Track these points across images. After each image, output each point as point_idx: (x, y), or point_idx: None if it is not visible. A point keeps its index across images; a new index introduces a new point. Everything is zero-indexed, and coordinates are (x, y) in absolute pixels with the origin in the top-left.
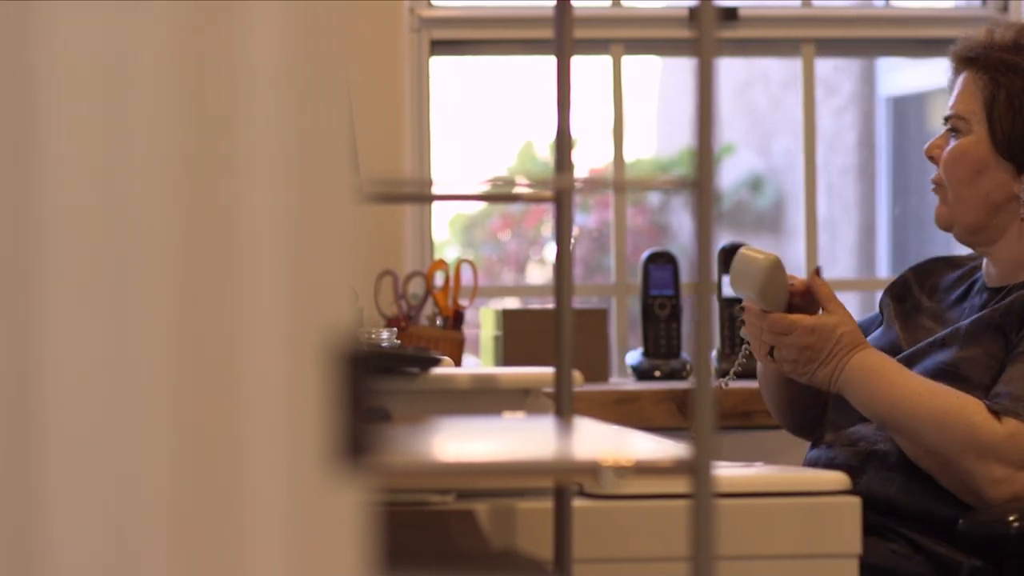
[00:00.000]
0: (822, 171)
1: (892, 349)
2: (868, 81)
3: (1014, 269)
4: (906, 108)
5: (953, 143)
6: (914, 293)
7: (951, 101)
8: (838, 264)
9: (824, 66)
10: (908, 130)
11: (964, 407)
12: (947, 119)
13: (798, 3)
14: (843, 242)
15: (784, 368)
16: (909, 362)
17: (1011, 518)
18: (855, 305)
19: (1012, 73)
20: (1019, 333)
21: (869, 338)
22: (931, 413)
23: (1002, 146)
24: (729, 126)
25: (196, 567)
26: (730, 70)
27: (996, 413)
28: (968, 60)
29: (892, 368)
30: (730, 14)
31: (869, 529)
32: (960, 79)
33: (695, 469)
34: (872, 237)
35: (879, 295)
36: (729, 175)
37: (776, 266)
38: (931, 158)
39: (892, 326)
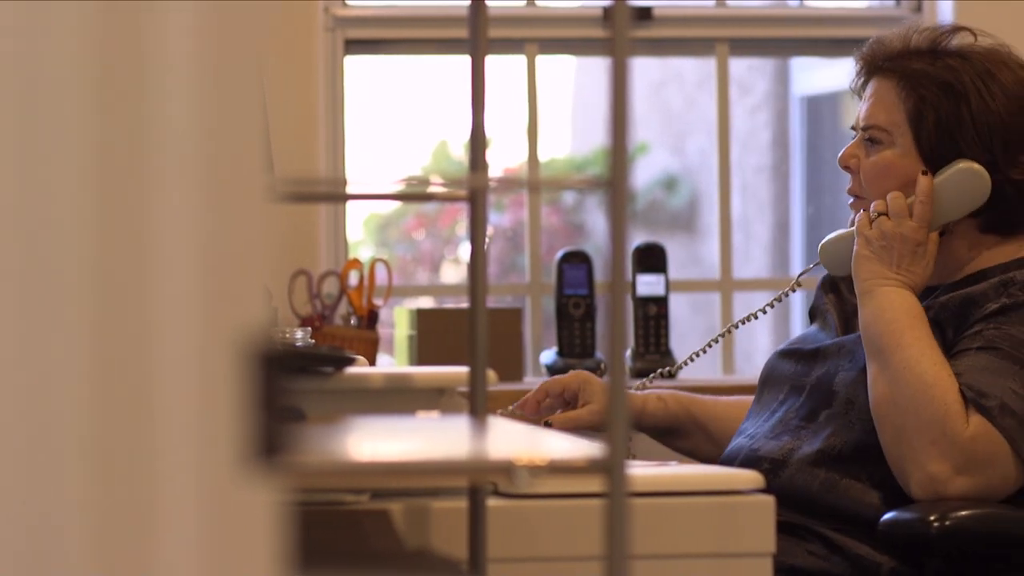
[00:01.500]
0: (736, 170)
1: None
2: (782, 81)
3: (939, 272)
4: (820, 108)
5: (874, 155)
6: (843, 291)
7: (864, 109)
8: (752, 263)
9: (738, 66)
10: (822, 129)
11: (951, 390)
12: (864, 129)
13: (712, 3)
14: (757, 241)
15: (862, 234)
16: (839, 353)
17: (932, 518)
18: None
19: (935, 86)
20: (956, 330)
21: (802, 334)
22: (922, 375)
23: (927, 158)
24: (643, 126)
25: (109, 567)
26: (644, 70)
27: (964, 402)
28: (882, 68)
29: (918, 318)
30: (644, 14)
31: (787, 529)
32: (873, 86)
33: (609, 468)
34: (786, 236)
35: (794, 296)
36: (643, 174)
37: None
38: (847, 168)
39: (829, 317)
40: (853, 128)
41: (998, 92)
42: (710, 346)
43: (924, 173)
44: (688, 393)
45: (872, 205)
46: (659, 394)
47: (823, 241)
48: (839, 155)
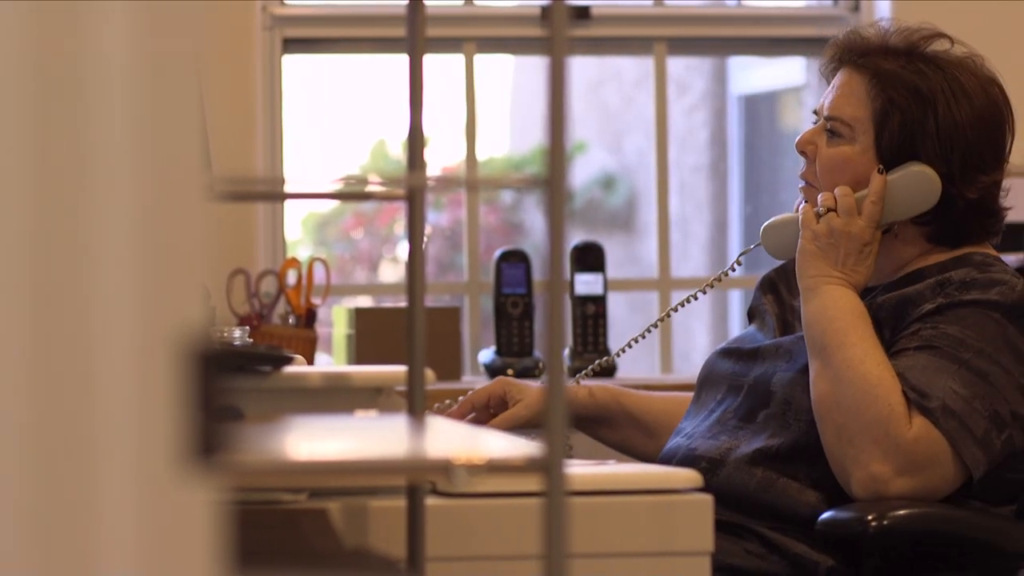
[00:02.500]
0: (674, 169)
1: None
2: (720, 80)
3: (878, 272)
4: (758, 107)
5: (832, 147)
6: (782, 292)
7: (831, 99)
8: (690, 262)
9: (676, 65)
10: (760, 128)
11: (894, 391)
12: (827, 119)
13: (650, 2)
14: (695, 240)
15: (808, 228)
16: (776, 354)
17: (869, 517)
18: (707, 303)
19: (906, 90)
20: (893, 330)
21: (741, 334)
22: (866, 376)
23: (884, 160)
24: (581, 124)
25: (45, 567)
26: (582, 69)
27: (907, 403)
28: (856, 62)
29: (862, 318)
30: (582, 13)
31: (725, 528)
32: (843, 77)
33: (547, 467)
34: (724, 235)
35: (731, 293)
36: (581, 173)
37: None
38: (803, 153)
39: (767, 317)
40: (815, 112)
41: (965, 106)
42: (648, 332)
43: (880, 172)
44: (620, 387)
45: (819, 199)
46: (588, 386)
47: (765, 224)
48: (797, 139)
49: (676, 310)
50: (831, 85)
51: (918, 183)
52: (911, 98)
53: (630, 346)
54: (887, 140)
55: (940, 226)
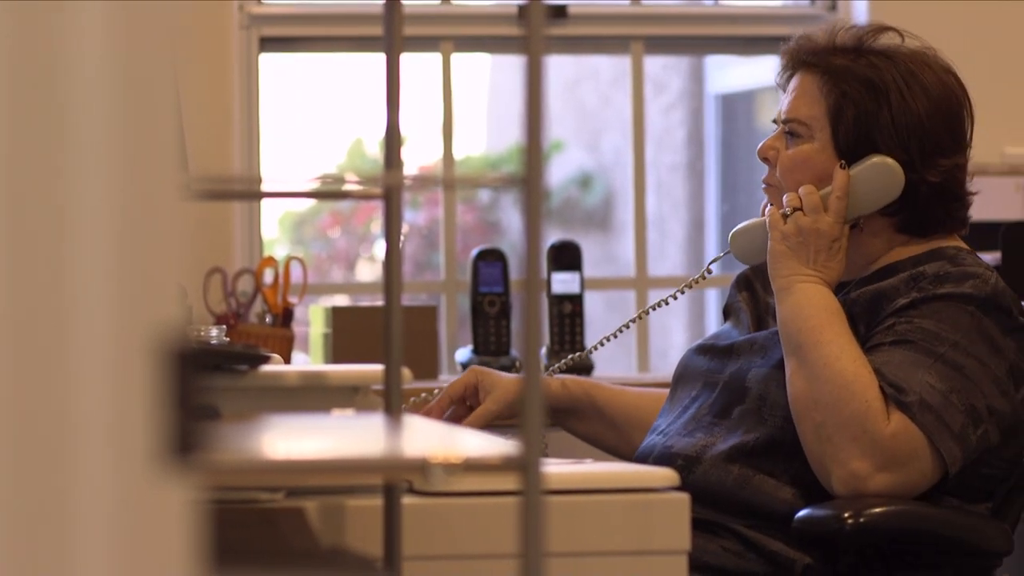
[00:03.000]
0: (651, 168)
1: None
2: (697, 79)
3: (851, 267)
4: (735, 106)
5: (792, 148)
6: (757, 289)
7: (787, 103)
8: (667, 261)
9: (653, 64)
10: (737, 127)
11: (872, 387)
12: (784, 122)
13: (627, 1)
14: (672, 239)
15: (776, 228)
16: (751, 350)
17: (846, 515)
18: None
19: (858, 83)
20: (868, 325)
21: (721, 329)
22: (842, 372)
23: (843, 154)
24: (558, 123)
25: (22, 566)
26: (559, 67)
27: (884, 399)
28: (807, 63)
29: (836, 314)
30: (559, 11)
31: (701, 526)
32: (797, 80)
33: (524, 466)
34: (701, 234)
35: (707, 292)
36: (558, 172)
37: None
38: (765, 159)
39: (742, 315)
40: (775, 121)
41: (920, 93)
42: (622, 331)
43: (842, 167)
44: (594, 380)
45: (784, 200)
46: (562, 378)
47: (734, 230)
48: (759, 146)
49: (648, 313)
50: (786, 91)
51: (880, 174)
52: (864, 90)
53: (603, 344)
54: (844, 134)
55: (907, 215)
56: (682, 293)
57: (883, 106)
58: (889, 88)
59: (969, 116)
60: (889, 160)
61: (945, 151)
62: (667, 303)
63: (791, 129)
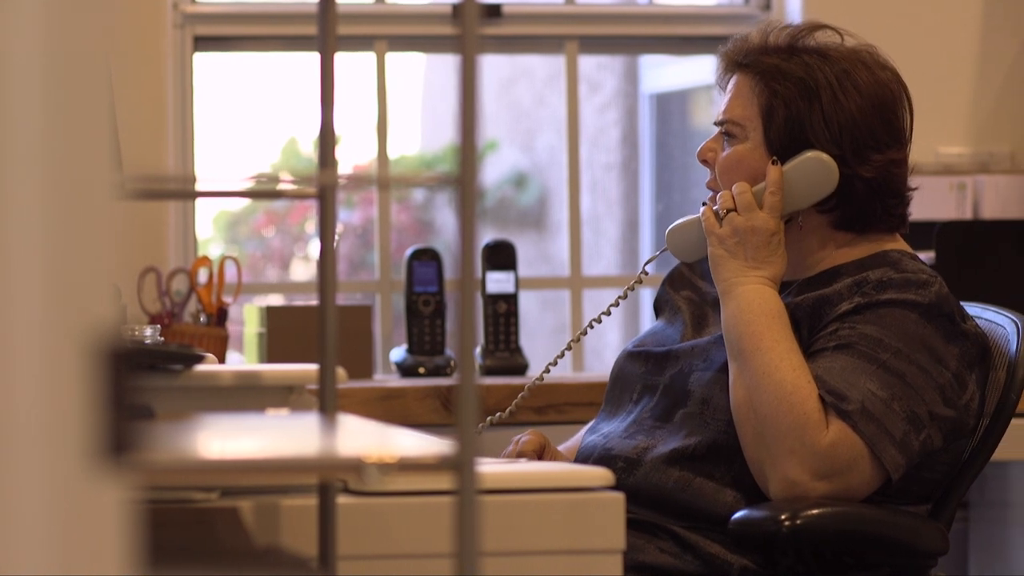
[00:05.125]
0: (586, 168)
1: (679, 340)
2: (631, 78)
3: (793, 267)
4: (669, 105)
5: (729, 149)
6: (695, 282)
7: (724, 105)
8: (602, 260)
9: (587, 63)
10: (671, 127)
11: (810, 397)
12: (720, 123)
13: (561, 0)
14: (607, 238)
15: (713, 233)
16: (692, 354)
17: (783, 517)
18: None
19: (789, 82)
20: (811, 330)
21: (650, 329)
22: (781, 383)
23: (776, 152)
24: (493, 123)
25: None
26: (494, 67)
27: (824, 407)
28: (741, 64)
29: (777, 318)
30: (494, 11)
31: (640, 527)
32: (733, 82)
33: (459, 465)
34: (636, 233)
35: (641, 291)
36: (493, 172)
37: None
38: (704, 162)
39: (678, 313)
40: (716, 124)
41: (852, 90)
42: (569, 349)
43: (774, 162)
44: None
45: (718, 201)
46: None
47: (670, 227)
48: (698, 149)
49: (590, 328)
50: (724, 92)
51: (814, 169)
52: (794, 88)
53: (548, 372)
54: (776, 133)
55: (844, 211)
56: (624, 299)
57: (815, 104)
58: (820, 86)
59: (907, 112)
60: (823, 155)
61: (879, 146)
62: (608, 314)
63: (727, 130)
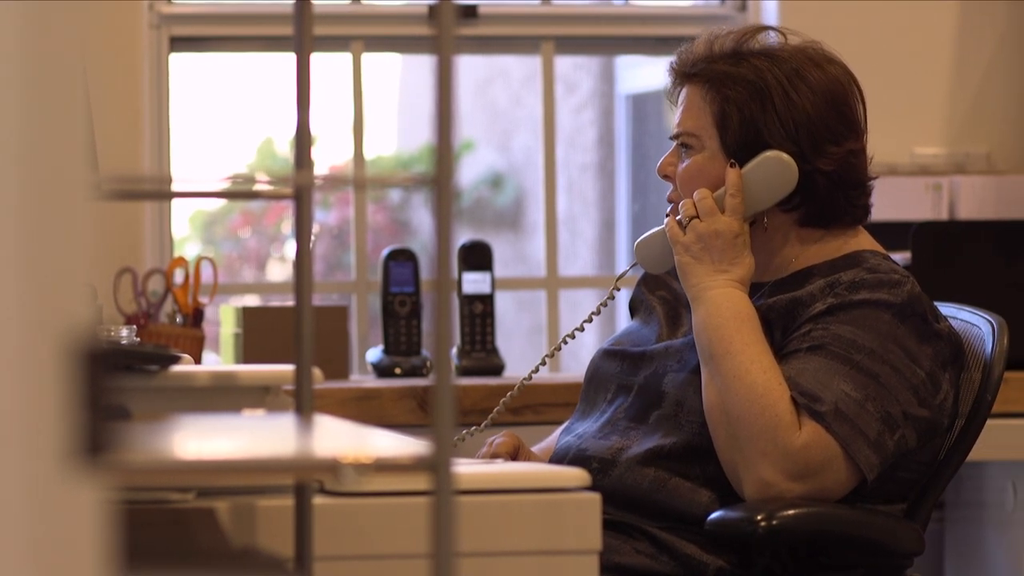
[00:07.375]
0: (562, 168)
1: (655, 340)
2: (607, 79)
3: (764, 269)
4: (645, 106)
5: (687, 161)
6: (669, 283)
7: (677, 118)
8: (578, 260)
9: (564, 64)
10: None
11: (782, 399)
12: (676, 136)
13: (537, 1)
14: (583, 239)
15: (677, 242)
16: (666, 355)
17: (759, 517)
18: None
19: (739, 86)
20: (784, 331)
21: (626, 328)
22: (752, 385)
23: (735, 158)
24: (469, 123)
25: None
26: (470, 67)
27: (796, 409)
28: (690, 75)
29: (747, 321)
30: (470, 11)
31: (616, 527)
32: (684, 94)
33: (435, 466)
34: (612, 234)
35: (617, 294)
36: (469, 172)
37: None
38: (665, 176)
39: (653, 313)
40: (671, 138)
41: (804, 88)
42: (543, 364)
43: (732, 165)
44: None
45: (681, 210)
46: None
47: (637, 242)
48: (657, 164)
49: (566, 342)
50: (677, 105)
51: (773, 168)
52: (746, 91)
53: (529, 379)
54: (732, 138)
55: (808, 208)
56: (597, 314)
57: (767, 105)
58: (771, 86)
59: (859, 102)
60: (781, 154)
61: (836, 139)
62: (583, 329)
63: (683, 142)
